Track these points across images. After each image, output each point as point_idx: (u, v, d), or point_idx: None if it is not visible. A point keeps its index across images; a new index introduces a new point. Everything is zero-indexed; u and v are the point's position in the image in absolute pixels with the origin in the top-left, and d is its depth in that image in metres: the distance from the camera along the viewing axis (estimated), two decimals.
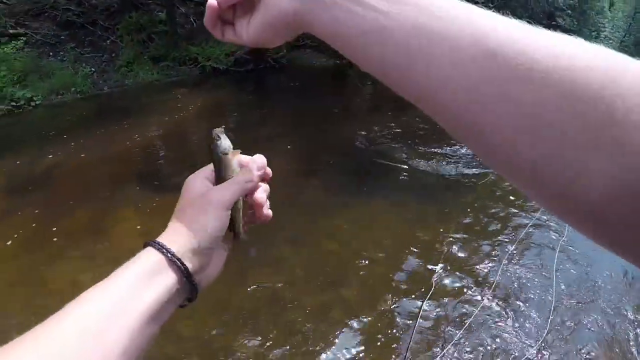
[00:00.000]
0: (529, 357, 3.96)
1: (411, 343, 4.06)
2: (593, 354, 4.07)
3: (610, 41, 25.22)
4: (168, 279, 0.70)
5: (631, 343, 4.23)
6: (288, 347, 3.98)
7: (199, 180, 0.84)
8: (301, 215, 6.04)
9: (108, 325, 0.62)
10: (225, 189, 0.81)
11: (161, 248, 0.72)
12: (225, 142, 0.87)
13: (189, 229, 0.75)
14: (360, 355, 3.95)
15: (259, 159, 0.89)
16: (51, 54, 11.55)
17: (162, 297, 0.68)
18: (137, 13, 13.09)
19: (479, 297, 4.69)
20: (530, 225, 6.02)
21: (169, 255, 0.71)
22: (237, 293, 4.53)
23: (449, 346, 4.02)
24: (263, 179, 0.90)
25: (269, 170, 0.91)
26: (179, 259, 0.71)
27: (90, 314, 0.63)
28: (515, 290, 4.82)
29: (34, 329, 0.60)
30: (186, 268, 0.71)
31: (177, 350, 3.83)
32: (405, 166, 7.72)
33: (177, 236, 0.75)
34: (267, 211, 0.88)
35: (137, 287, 0.67)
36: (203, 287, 0.78)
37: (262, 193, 0.87)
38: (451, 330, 4.25)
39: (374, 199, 6.42)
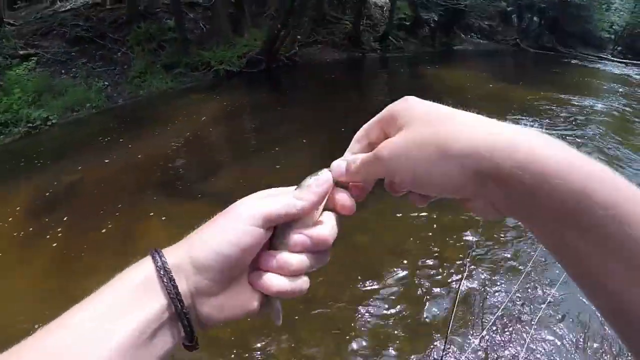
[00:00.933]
0: None
1: (449, 331, 3.90)
2: None
3: (621, 12, 24.82)
4: (152, 302, 0.52)
5: None
6: (328, 345, 3.86)
7: (253, 198, 0.62)
8: None
9: None
10: (273, 201, 0.59)
11: (155, 255, 0.55)
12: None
13: (205, 235, 0.57)
14: (399, 345, 3.82)
15: (322, 177, 0.61)
16: (63, 71, 11.56)
17: (140, 328, 0.50)
18: (146, 23, 13.11)
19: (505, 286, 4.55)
20: None
21: (158, 265, 0.53)
22: None
23: (484, 332, 3.86)
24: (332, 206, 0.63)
25: (344, 200, 0.62)
26: (167, 271, 0.53)
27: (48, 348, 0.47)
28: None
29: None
30: (174, 286, 0.52)
31: (213, 353, 3.73)
32: None
33: (184, 243, 0.57)
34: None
35: (111, 313, 0.51)
36: (207, 323, 0.56)
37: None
38: (488, 316, 4.10)
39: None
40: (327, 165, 0.62)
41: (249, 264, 0.57)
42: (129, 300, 0.51)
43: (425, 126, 0.50)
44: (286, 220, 0.58)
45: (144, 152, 7.92)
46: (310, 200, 0.58)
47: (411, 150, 0.49)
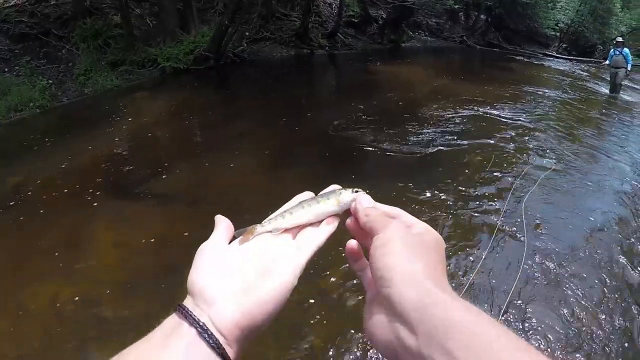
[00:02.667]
0: None
1: None
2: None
3: (567, 11, 25.62)
4: None
5: None
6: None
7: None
8: (278, 206, 5.91)
9: None
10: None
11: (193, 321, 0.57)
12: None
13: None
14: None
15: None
16: (6, 69, 11.29)
17: None
18: (92, 18, 12.88)
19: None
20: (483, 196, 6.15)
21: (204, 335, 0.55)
22: None
23: None
24: None
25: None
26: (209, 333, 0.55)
27: None
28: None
29: None
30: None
31: None
32: (375, 149, 7.81)
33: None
34: None
35: None
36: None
37: None
38: None
39: (352, 185, 6.38)
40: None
41: None
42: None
43: (414, 243, 0.57)
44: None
45: (90, 152, 7.82)
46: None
47: (396, 243, 0.56)
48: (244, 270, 0.62)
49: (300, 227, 0.72)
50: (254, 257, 0.65)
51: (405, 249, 0.55)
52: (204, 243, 0.68)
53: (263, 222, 0.71)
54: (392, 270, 0.53)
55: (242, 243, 0.68)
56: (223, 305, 0.57)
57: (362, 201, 0.70)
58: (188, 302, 0.59)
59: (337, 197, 0.73)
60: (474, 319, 0.45)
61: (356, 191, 0.73)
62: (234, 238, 0.70)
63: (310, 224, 0.73)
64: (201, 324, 0.55)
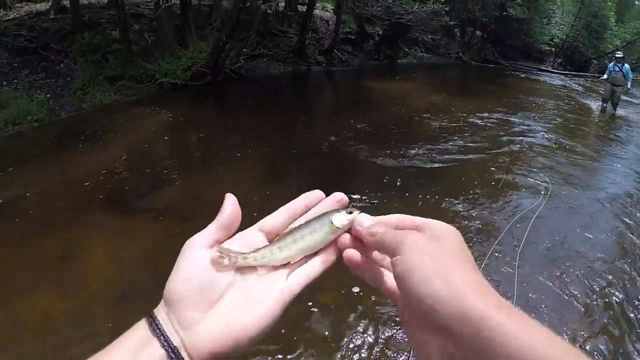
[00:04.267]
0: None
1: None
2: None
3: (561, 26, 25.85)
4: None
5: None
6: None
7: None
8: None
9: None
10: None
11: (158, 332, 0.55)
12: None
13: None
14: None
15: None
16: (5, 82, 11.31)
17: None
18: (90, 33, 12.97)
19: None
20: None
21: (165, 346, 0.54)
22: None
23: None
24: None
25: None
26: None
27: None
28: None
29: None
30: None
31: None
32: (371, 164, 7.91)
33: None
34: None
35: None
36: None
37: None
38: None
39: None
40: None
41: None
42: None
43: (451, 251, 0.53)
44: None
45: (86, 167, 7.85)
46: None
47: (427, 253, 0.52)
48: (229, 292, 0.59)
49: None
50: (241, 279, 0.61)
51: (434, 267, 0.51)
52: (192, 239, 0.63)
53: (249, 253, 0.63)
54: (432, 298, 0.49)
55: (218, 270, 0.59)
56: (199, 331, 0.55)
57: (362, 221, 0.63)
58: (160, 313, 0.57)
59: (331, 223, 0.64)
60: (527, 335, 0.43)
61: (350, 212, 0.65)
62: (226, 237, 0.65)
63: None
64: (172, 346, 0.53)
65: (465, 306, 0.46)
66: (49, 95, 11.27)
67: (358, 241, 0.63)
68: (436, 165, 8.01)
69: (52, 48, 12.55)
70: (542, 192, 7.03)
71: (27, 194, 6.95)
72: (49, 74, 12.04)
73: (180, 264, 0.61)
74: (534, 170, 7.98)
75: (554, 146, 9.40)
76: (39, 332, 4.23)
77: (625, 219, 6.56)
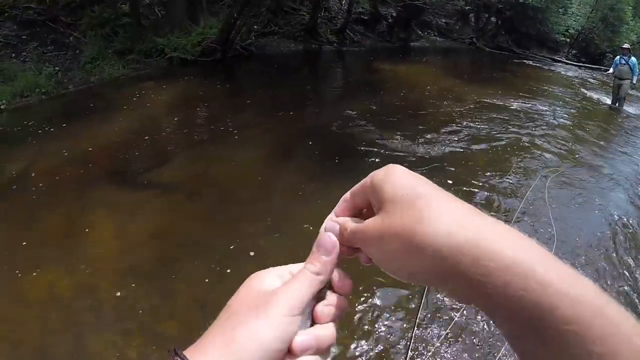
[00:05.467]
0: None
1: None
2: None
3: (578, 17, 25.43)
4: None
5: None
6: None
7: (270, 276, 0.58)
8: (280, 201, 6.02)
9: None
10: (296, 284, 0.55)
11: None
12: None
13: (232, 339, 0.49)
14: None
15: (324, 239, 0.58)
16: (13, 55, 11.25)
17: None
18: (100, 6, 12.82)
19: None
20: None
21: None
22: (215, 291, 4.37)
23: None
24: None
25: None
26: None
27: None
28: None
29: None
30: None
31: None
32: (379, 147, 7.80)
33: (211, 349, 0.49)
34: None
35: None
36: None
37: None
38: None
39: (353, 181, 6.33)
40: None
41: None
42: None
43: (397, 212, 0.48)
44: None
45: (93, 140, 7.79)
46: (327, 271, 0.56)
47: (382, 242, 0.49)
48: None
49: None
50: None
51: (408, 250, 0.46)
52: (281, 291, 0.54)
53: None
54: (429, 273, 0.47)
55: None
56: None
57: (331, 231, 0.58)
58: None
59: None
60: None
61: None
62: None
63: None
64: None
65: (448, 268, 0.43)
66: (57, 68, 11.21)
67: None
68: (445, 149, 7.93)
69: (61, 21, 12.44)
70: (549, 180, 6.98)
71: (34, 168, 6.94)
72: (58, 46, 11.94)
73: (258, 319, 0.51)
74: (542, 158, 7.95)
75: (562, 137, 9.27)
76: (43, 306, 4.21)
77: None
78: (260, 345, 0.48)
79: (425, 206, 0.47)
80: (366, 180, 0.56)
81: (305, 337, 0.52)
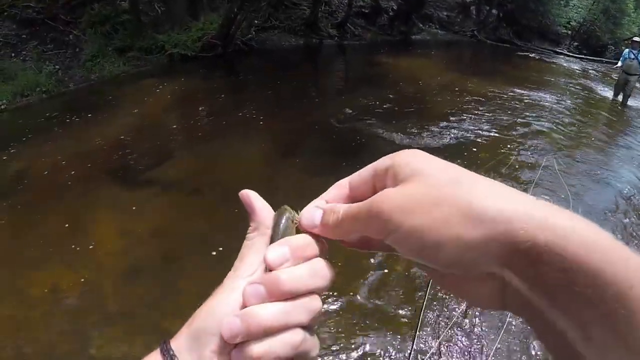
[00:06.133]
0: None
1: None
2: None
3: (579, 9, 25.33)
4: None
5: None
6: None
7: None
8: (282, 197, 5.93)
9: None
10: (243, 249, 0.54)
11: (166, 353, 0.47)
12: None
13: (194, 318, 0.49)
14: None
15: (241, 195, 0.57)
16: (13, 54, 11.22)
17: None
18: (100, 4, 12.79)
19: None
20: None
21: None
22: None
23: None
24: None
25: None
26: None
27: None
28: None
29: None
30: None
31: None
32: (382, 140, 7.81)
33: (181, 332, 0.49)
34: None
35: None
36: None
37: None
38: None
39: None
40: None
41: None
42: None
43: (440, 181, 0.42)
44: None
45: (94, 138, 7.76)
46: (260, 220, 0.54)
47: (423, 205, 0.41)
48: None
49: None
50: None
51: (436, 213, 0.40)
52: (235, 267, 0.52)
53: None
54: (461, 247, 0.39)
55: None
56: None
57: (306, 220, 0.52)
58: (180, 346, 0.47)
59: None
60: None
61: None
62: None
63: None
64: None
65: (512, 234, 0.36)
66: (57, 67, 11.18)
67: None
68: (447, 143, 7.93)
69: (60, 19, 12.39)
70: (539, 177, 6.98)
71: (35, 167, 6.92)
72: (58, 45, 11.91)
73: (221, 301, 0.49)
74: (543, 151, 7.91)
75: (563, 131, 9.22)
76: (46, 305, 4.19)
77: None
78: (211, 312, 0.47)
79: (477, 177, 0.43)
80: (380, 162, 0.49)
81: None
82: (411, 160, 0.46)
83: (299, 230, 0.53)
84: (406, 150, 0.48)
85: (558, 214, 0.37)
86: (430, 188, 0.42)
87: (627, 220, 6.01)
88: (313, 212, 0.52)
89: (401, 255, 0.45)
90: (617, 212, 6.20)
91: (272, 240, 0.52)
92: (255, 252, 0.52)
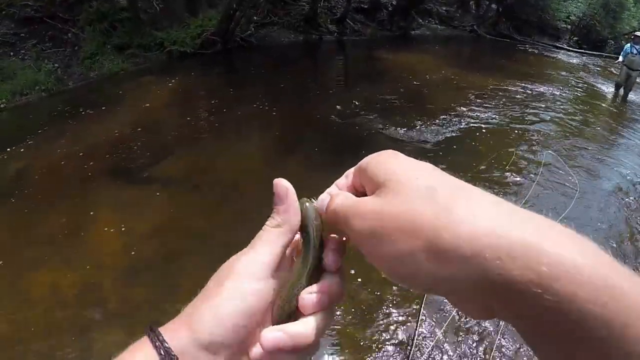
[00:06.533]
0: None
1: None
2: None
3: (579, 3, 25.24)
4: None
5: None
6: None
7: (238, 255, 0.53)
8: None
9: None
10: (256, 244, 0.52)
11: (156, 339, 0.46)
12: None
13: (204, 308, 0.48)
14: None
15: (275, 185, 0.54)
16: (12, 53, 11.20)
17: None
18: (98, 2, 12.71)
19: None
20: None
21: (162, 353, 0.44)
22: None
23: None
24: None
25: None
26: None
27: None
28: None
29: None
30: None
31: None
32: (382, 136, 7.80)
33: (184, 321, 0.48)
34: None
35: None
36: None
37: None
38: None
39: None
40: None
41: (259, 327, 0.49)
42: None
43: (413, 193, 0.41)
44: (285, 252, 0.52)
45: (94, 137, 7.76)
46: (291, 221, 0.52)
47: (390, 231, 0.40)
48: None
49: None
50: None
51: (415, 230, 0.38)
52: (240, 260, 0.51)
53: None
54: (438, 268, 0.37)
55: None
56: None
57: (320, 204, 0.54)
58: (181, 341, 0.46)
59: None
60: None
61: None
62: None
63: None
64: None
65: (486, 274, 0.34)
66: (56, 65, 11.18)
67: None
68: (447, 138, 7.93)
69: (59, 17, 12.35)
70: (543, 168, 7.01)
71: (35, 166, 6.93)
72: (57, 43, 11.89)
73: (225, 292, 0.48)
74: (542, 146, 7.89)
75: (563, 126, 9.17)
76: (46, 304, 4.20)
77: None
78: (220, 321, 0.46)
79: (451, 198, 0.39)
80: (359, 165, 0.51)
81: (276, 334, 0.47)
82: (388, 164, 0.46)
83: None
84: (386, 152, 0.48)
85: (543, 239, 0.34)
86: (400, 204, 0.40)
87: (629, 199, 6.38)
88: (324, 199, 0.53)
89: None
90: (620, 193, 6.57)
91: (305, 228, 0.53)
92: (269, 244, 0.51)
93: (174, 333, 0.46)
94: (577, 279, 0.32)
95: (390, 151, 0.48)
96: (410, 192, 0.41)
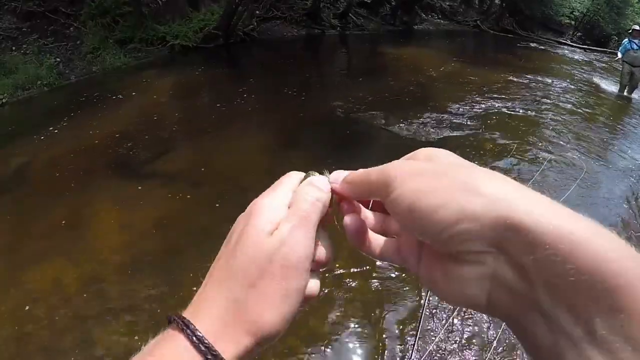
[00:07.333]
0: None
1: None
2: None
3: None
4: None
5: None
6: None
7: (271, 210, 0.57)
8: None
9: None
10: (300, 231, 0.51)
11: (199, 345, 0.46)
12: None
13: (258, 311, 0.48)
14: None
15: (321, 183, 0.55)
16: (13, 47, 11.20)
17: None
18: None
19: None
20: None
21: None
22: None
23: None
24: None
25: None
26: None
27: None
28: None
29: None
30: None
31: None
32: (385, 131, 7.75)
33: (239, 324, 0.48)
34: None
35: None
36: None
37: None
38: None
39: (357, 167, 6.31)
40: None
41: None
42: None
43: (445, 162, 0.45)
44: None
45: (96, 131, 7.71)
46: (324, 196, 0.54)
47: (427, 172, 0.43)
48: None
49: None
50: None
51: (446, 184, 0.40)
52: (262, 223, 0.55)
53: None
54: (460, 217, 0.37)
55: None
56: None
57: (337, 177, 0.55)
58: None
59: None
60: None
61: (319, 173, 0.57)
62: None
63: None
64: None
65: (511, 211, 0.36)
66: (58, 60, 11.15)
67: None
68: (450, 134, 7.87)
69: (61, 12, 12.37)
70: (544, 163, 6.96)
71: (37, 160, 6.89)
72: (59, 38, 11.88)
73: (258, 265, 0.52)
74: (543, 142, 7.84)
75: (569, 119, 9.18)
76: (48, 299, 4.17)
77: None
78: (283, 322, 0.48)
79: (478, 170, 0.42)
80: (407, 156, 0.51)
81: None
82: (426, 150, 0.49)
83: None
84: (429, 148, 0.50)
85: (562, 209, 0.36)
86: (436, 165, 0.45)
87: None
88: (340, 172, 0.55)
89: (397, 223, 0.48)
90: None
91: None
92: (309, 236, 0.52)
93: (231, 341, 0.47)
94: (600, 239, 0.33)
95: (435, 149, 0.50)
96: (443, 161, 0.46)
